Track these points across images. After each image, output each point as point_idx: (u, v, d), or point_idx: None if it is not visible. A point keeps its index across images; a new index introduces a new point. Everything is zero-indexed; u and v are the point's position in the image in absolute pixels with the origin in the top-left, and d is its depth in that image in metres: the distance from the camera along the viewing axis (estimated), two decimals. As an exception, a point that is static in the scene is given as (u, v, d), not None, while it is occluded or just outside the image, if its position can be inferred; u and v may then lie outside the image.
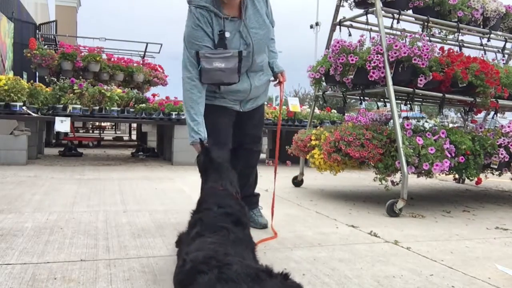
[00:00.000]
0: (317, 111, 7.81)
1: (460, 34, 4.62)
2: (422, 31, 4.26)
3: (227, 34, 2.47)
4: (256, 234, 2.71)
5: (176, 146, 6.92)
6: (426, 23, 4.29)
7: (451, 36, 4.85)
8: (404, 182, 3.51)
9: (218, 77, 2.49)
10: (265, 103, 3.12)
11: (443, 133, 3.73)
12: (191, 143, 2.56)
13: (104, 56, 9.79)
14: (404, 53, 3.59)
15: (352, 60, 3.79)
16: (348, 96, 4.60)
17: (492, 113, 4.66)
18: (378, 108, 4.82)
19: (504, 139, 3.98)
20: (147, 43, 11.19)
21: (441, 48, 4.06)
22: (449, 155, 3.61)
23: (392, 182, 3.83)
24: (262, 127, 3.08)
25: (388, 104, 4.13)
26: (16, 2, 10.45)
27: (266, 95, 2.97)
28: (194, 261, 1.38)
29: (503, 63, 4.96)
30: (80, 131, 15.58)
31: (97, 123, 15.22)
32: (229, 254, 1.44)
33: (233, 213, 1.83)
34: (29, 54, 8.87)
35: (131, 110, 7.21)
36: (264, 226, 2.93)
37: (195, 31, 2.45)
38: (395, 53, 3.63)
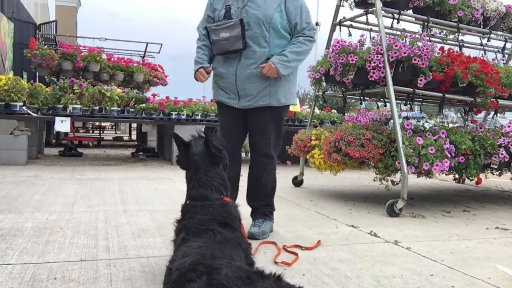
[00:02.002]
0: (317, 111, 7.80)
1: (460, 34, 4.62)
2: (422, 31, 4.26)
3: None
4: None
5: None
6: (426, 23, 4.29)
7: (451, 36, 4.84)
8: (404, 182, 3.51)
9: (223, 46, 2.62)
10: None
11: (443, 133, 3.73)
12: (195, 76, 2.73)
13: (104, 56, 9.78)
14: (404, 53, 3.59)
15: (352, 60, 3.78)
16: (348, 96, 4.60)
17: (492, 113, 4.66)
18: (378, 108, 4.82)
19: (504, 139, 3.98)
20: (147, 43, 11.19)
21: (441, 48, 4.06)
22: (449, 155, 3.61)
23: (392, 182, 3.82)
24: (267, 138, 2.71)
25: (388, 104, 4.13)
26: (16, 2, 10.45)
27: (269, 97, 2.65)
28: (180, 269, 1.34)
29: (503, 63, 4.96)
30: (80, 131, 15.57)
31: (97, 123, 15.22)
32: (216, 257, 1.40)
33: (219, 219, 1.72)
34: (29, 54, 8.87)
35: (131, 110, 7.21)
36: (249, 235, 2.50)
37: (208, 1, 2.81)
38: (395, 53, 3.63)
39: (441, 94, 3.94)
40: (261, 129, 2.73)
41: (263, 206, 2.81)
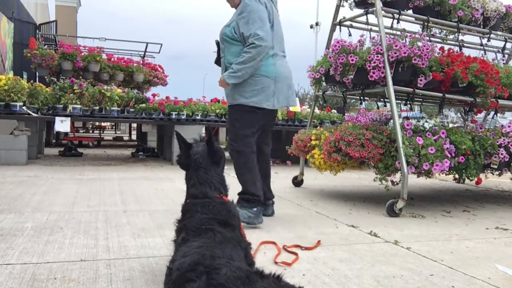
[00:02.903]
0: (317, 111, 7.80)
1: (460, 34, 4.62)
2: (422, 31, 4.26)
3: None
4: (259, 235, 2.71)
5: (176, 146, 6.83)
6: (426, 23, 4.29)
7: (451, 36, 4.84)
8: (404, 182, 3.50)
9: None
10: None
11: (443, 133, 3.73)
12: None
13: (104, 56, 9.78)
14: (404, 53, 3.59)
15: (352, 60, 3.78)
16: (348, 96, 4.60)
17: (492, 113, 4.65)
18: (378, 108, 4.82)
19: (504, 139, 3.98)
20: (147, 43, 11.18)
21: (441, 48, 4.05)
22: (449, 155, 3.61)
23: (392, 182, 3.82)
24: (229, 131, 3.22)
25: (388, 104, 4.13)
26: (16, 2, 10.45)
27: (229, 97, 3.14)
28: (180, 269, 1.35)
29: (503, 63, 4.96)
30: (80, 131, 15.58)
31: (97, 123, 15.22)
32: (216, 257, 1.40)
33: (219, 217, 1.72)
34: (29, 54, 8.86)
35: (131, 110, 7.21)
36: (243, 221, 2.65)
37: None
38: (395, 53, 3.63)
39: (441, 94, 3.94)
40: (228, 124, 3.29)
41: (239, 194, 3.02)
